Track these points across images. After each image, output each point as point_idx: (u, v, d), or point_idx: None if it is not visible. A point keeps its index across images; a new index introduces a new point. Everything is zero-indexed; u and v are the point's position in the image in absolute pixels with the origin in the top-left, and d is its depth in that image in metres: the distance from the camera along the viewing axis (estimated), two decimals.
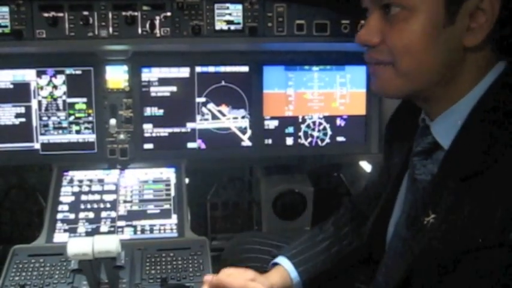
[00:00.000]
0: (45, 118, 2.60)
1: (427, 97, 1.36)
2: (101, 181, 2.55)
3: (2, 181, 2.97)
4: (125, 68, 2.60)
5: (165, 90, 2.65)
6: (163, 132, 2.66)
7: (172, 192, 2.51)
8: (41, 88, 2.59)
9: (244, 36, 2.42)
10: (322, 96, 2.72)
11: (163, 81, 2.64)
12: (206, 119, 2.68)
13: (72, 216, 2.41)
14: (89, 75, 2.60)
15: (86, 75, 2.60)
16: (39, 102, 2.59)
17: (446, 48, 1.25)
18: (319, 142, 2.76)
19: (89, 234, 2.33)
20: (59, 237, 2.34)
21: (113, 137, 2.61)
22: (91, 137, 2.63)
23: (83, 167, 2.59)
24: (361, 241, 1.83)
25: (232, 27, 2.41)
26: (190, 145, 2.68)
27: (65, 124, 2.62)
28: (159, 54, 2.61)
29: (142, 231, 2.38)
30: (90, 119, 2.62)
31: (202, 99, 2.66)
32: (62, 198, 2.47)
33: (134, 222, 2.40)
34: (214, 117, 2.68)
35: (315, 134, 2.75)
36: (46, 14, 2.31)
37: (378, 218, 1.71)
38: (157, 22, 2.36)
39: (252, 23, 2.41)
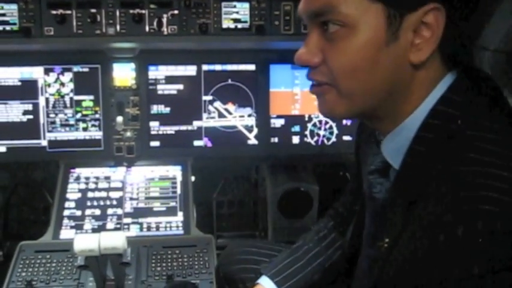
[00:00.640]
0: (52, 115, 2.62)
1: (375, 116, 1.26)
2: (107, 178, 2.56)
3: (9, 178, 2.98)
4: (132, 65, 2.61)
5: (172, 88, 2.65)
6: (170, 130, 2.67)
7: (179, 190, 2.52)
8: (49, 85, 2.60)
9: (251, 34, 2.43)
10: None
11: (170, 79, 2.64)
12: (212, 117, 2.68)
13: (78, 213, 2.43)
14: (96, 73, 2.61)
15: (93, 72, 2.61)
16: (47, 100, 2.61)
17: (391, 66, 1.16)
18: (326, 141, 2.76)
19: (95, 231, 2.34)
20: (66, 233, 2.35)
21: (119, 134, 2.62)
22: (98, 134, 2.64)
23: (90, 164, 2.60)
24: (344, 250, 1.81)
25: (239, 25, 2.42)
26: (197, 143, 2.69)
27: (72, 121, 2.63)
28: (166, 52, 2.62)
29: (149, 228, 2.39)
30: (97, 116, 2.63)
31: (209, 98, 2.67)
32: (68, 195, 2.48)
33: (140, 220, 2.41)
34: (220, 115, 2.69)
35: (321, 132, 2.75)
36: (54, 12, 2.33)
37: (353, 233, 1.68)
38: (164, 20, 2.37)
39: (259, 22, 2.41)
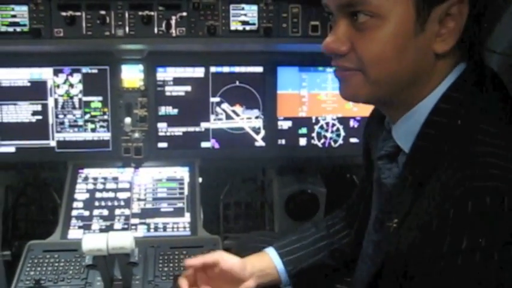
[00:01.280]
0: (61, 116, 2.64)
1: (393, 102, 1.32)
2: (115, 179, 2.58)
3: (18, 178, 3.00)
4: (141, 67, 2.63)
5: (180, 90, 2.67)
6: (178, 131, 2.68)
7: (186, 191, 2.53)
8: (58, 86, 2.62)
9: (259, 36, 2.44)
10: (335, 98, 2.73)
11: (178, 81, 2.66)
12: (220, 119, 2.69)
13: (86, 213, 2.44)
14: (105, 74, 2.63)
15: (102, 74, 2.63)
16: (56, 100, 2.63)
17: (418, 56, 1.22)
18: (332, 143, 2.76)
19: (103, 231, 2.36)
20: (74, 233, 2.36)
21: (127, 135, 2.64)
22: (106, 135, 2.66)
23: (98, 165, 2.62)
24: (351, 240, 1.87)
25: (247, 27, 2.43)
26: (204, 144, 2.70)
27: (80, 122, 2.65)
28: (174, 54, 2.64)
29: (156, 229, 2.40)
30: (106, 117, 2.65)
31: (217, 99, 2.68)
32: (76, 196, 2.50)
33: (148, 220, 2.43)
34: (228, 117, 2.70)
35: (328, 135, 2.75)
36: (64, 13, 2.35)
37: (360, 221, 1.73)
38: (173, 22, 2.39)
39: (266, 24, 2.43)
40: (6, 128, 2.61)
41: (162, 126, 2.68)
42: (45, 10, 2.35)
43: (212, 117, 2.69)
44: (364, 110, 2.71)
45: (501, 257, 1.06)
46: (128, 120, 2.60)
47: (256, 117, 2.71)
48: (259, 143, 2.72)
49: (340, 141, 2.76)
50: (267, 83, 2.70)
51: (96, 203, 2.48)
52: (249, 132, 2.71)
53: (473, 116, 1.20)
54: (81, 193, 2.51)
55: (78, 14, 2.36)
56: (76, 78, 2.63)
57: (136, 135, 2.64)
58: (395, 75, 1.24)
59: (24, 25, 2.35)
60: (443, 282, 1.10)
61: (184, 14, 2.39)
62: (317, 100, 2.72)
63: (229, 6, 2.42)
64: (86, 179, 2.57)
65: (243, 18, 2.42)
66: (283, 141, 2.74)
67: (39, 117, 2.62)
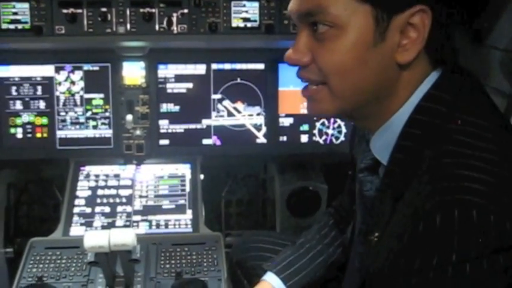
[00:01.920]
0: (62, 113, 2.64)
1: (363, 114, 1.30)
2: (117, 176, 2.58)
3: (19, 175, 3.01)
4: (142, 64, 2.63)
5: (181, 87, 2.67)
6: (179, 128, 2.69)
7: (188, 188, 2.53)
8: (59, 84, 2.62)
9: (261, 33, 2.44)
10: None
11: (179, 78, 2.66)
12: (221, 116, 2.70)
13: (88, 210, 2.44)
14: (106, 72, 2.63)
15: (103, 71, 2.63)
16: (57, 98, 2.63)
17: (379, 66, 1.20)
18: (334, 140, 2.76)
19: (104, 228, 2.36)
20: (76, 230, 2.37)
21: (129, 132, 2.64)
22: (108, 133, 2.66)
23: (100, 162, 2.62)
24: (344, 248, 1.86)
25: (249, 24, 2.44)
26: (206, 141, 2.70)
27: (82, 119, 2.65)
28: (175, 51, 2.64)
29: (158, 226, 2.41)
30: (107, 114, 2.65)
31: (218, 96, 2.68)
32: (78, 193, 2.50)
33: (149, 217, 2.43)
34: (229, 114, 2.70)
35: (330, 131, 2.75)
36: (65, 11, 2.36)
37: (352, 232, 1.72)
38: (174, 19, 2.39)
39: (268, 21, 2.43)
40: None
41: (163, 123, 2.68)
42: (47, 7, 2.36)
43: (213, 114, 2.69)
44: None
45: (472, 271, 1.04)
46: (129, 117, 2.61)
47: (258, 114, 2.71)
48: (261, 139, 2.72)
49: (342, 138, 2.76)
50: (268, 79, 2.70)
51: (98, 200, 2.48)
52: (251, 129, 2.71)
53: (447, 126, 1.17)
54: (83, 190, 2.51)
55: (79, 11, 2.36)
56: (77, 75, 2.63)
57: (138, 132, 2.64)
58: (358, 86, 1.22)
59: (26, 22, 2.36)
60: None
61: (186, 11, 2.39)
62: None
63: (231, 3, 2.42)
64: (87, 176, 2.57)
65: (244, 15, 2.43)
66: (284, 138, 2.74)
67: (41, 114, 2.63)
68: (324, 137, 2.75)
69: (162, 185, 2.55)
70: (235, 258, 2.13)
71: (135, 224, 2.40)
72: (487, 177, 1.07)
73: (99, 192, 2.51)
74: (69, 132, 2.65)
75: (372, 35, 1.18)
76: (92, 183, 2.54)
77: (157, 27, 2.40)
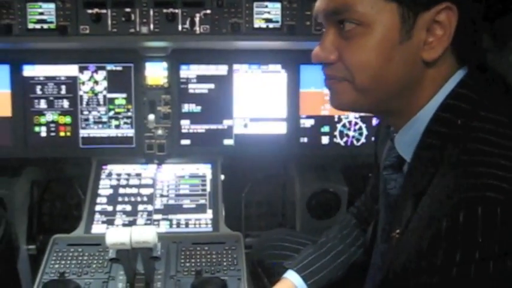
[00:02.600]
0: (86, 112, 2.67)
1: (387, 110, 1.31)
2: (138, 175, 2.60)
3: (43, 173, 3.05)
4: (164, 64, 2.65)
5: (203, 88, 2.69)
6: (200, 128, 2.71)
7: (208, 188, 2.55)
8: (83, 83, 2.66)
9: (282, 34, 2.45)
10: None
11: (201, 79, 2.68)
12: (242, 117, 2.71)
13: (110, 208, 2.47)
14: (129, 72, 2.66)
15: (126, 71, 2.66)
16: (81, 97, 2.66)
17: (404, 64, 1.20)
18: (355, 142, 2.76)
19: (126, 226, 2.37)
20: (97, 228, 2.39)
21: (151, 132, 2.67)
22: (130, 132, 2.69)
23: (121, 161, 2.65)
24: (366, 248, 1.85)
25: (271, 25, 2.44)
26: (227, 142, 2.72)
27: (104, 119, 2.68)
28: (197, 51, 2.66)
29: (178, 225, 2.42)
30: (130, 114, 2.68)
31: (239, 97, 2.70)
32: (100, 191, 2.53)
33: (170, 216, 2.45)
34: (250, 114, 2.71)
35: (351, 133, 2.75)
36: (90, 11, 2.39)
37: (373, 231, 1.72)
38: (197, 19, 2.41)
39: (290, 22, 2.43)
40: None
41: (185, 123, 2.70)
42: (72, 7, 2.39)
43: (235, 114, 2.70)
44: None
45: (496, 269, 1.04)
46: (151, 117, 2.63)
47: (279, 116, 2.71)
48: (282, 141, 2.72)
49: (363, 140, 2.76)
50: (289, 81, 2.70)
51: (120, 199, 2.50)
52: (271, 131, 2.72)
53: (472, 124, 1.17)
54: (104, 189, 2.54)
55: (103, 11, 2.39)
56: (101, 75, 2.66)
57: (160, 132, 2.66)
58: (382, 83, 1.22)
59: (51, 22, 2.39)
60: None
61: (208, 11, 2.40)
62: None
63: (253, 3, 2.43)
64: (109, 174, 2.60)
65: (266, 16, 2.43)
66: (305, 140, 2.74)
67: (65, 113, 2.67)
68: (344, 139, 2.75)
69: (182, 184, 2.57)
70: (256, 257, 2.14)
71: (155, 222, 2.42)
72: (510, 175, 1.07)
73: (121, 190, 2.53)
74: (92, 131, 2.68)
75: (398, 33, 1.19)
76: (114, 182, 2.57)
77: (180, 27, 2.41)
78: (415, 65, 1.22)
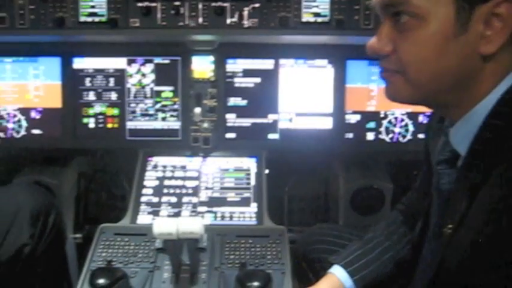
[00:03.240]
0: (133, 105, 2.71)
1: (443, 104, 1.30)
2: (183, 167, 2.63)
3: (89, 164, 3.11)
4: (211, 58, 2.67)
5: (249, 82, 2.70)
6: (246, 122, 2.72)
7: (253, 181, 2.55)
8: (131, 76, 2.70)
9: (331, 29, 2.43)
10: None
11: (247, 73, 2.69)
12: (288, 111, 2.70)
13: (155, 199, 2.50)
14: (176, 65, 2.69)
15: (173, 64, 2.69)
16: (129, 90, 2.70)
17: (460, 57, 1.19)
18: (401, 138, 2.73)
19: (171, 217, 2.40)
20: (143, 219, 2.43)
21: (197, 125, 2.69)
22: (176, 125, 2.72)
23: (167, 153, 2.67)
24: (413, 245, 1.82)
25: (319, 19, 2.43)
26: (272, 136, 2.72)
27: (151, 111, 2.71)
28: (244, 45, 2.67)
29: (222, 217, 2.44)
30: (176, 107, 2.71)
31: (285, 91, 2.69)
32: (146, 183, 2.56)
33: (215, 209, 2.46)
34: (296, 109, 2.71)
35: (397, 130, 2.72)
36: (140, 4, 2.41)
37: (421, 229, 1.69)
38: (245, 13, 2.41)
39: (338, 16, 2.41)
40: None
41: (230, 117, 2.71)
42: (123, 1, 2.42)
43: (280, 109, 2.70)
44: None
45: None
46: (197, 110, 2.65)
47: (324, 111, 2.70)
48: (326, 136, 2.71)
49: (409, 137, 2.73)
50: (335, 76, 2.69)
51: (165, 190, 2.53)
52: (317, 126, 2.71)
53: None
54: (150, 180, 2.57)
55: (153, 4, 2.41)
56: (148, 68, 2.69)
57: (205, 125, 2.68)
58: (436, 77, 1.22)
59: (102, 15, 2.43)
60: None
61: (257, 5, 2.40)
62: None
63: None
64: (155, 166, 2.63)
65: (315, 10, 2.42)
66: (350, 135, 2.72)
67: (113, 105, 2.71)
68: (390, 135, 2.72)
69: (227, 177, 2.58)
70: (301, 251, 2.14)
71: (200, 214, 2.44)
72: None
73: (166, 182, 2.56)
74: (138, 124, 2.72)
75: (453, 26, 1.17)
76: (160, 174, 2.60)
77: (228, 21, 2.42)
78: (472, 59, 1.20)
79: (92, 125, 2.73)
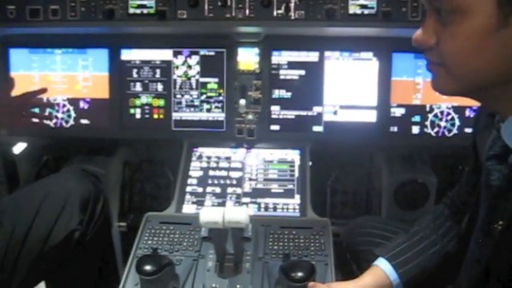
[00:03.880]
0: (178, 96, 2.75)
1: (489, 97, 1.28)
2: (228, 158, 2.65)
3: (135, 154, 3.16)
4: (256, 50, 2.69)
5: (294, 74, 2.70)
6: (290, 114, 2.72)
7: (296, 173, 2.56)
8: (177, 67, 2.74)
9: (377, 21, 2.42)
10: None
11: (292, 65, 2.69)
12: (332, 104, 2.70)
13: (200, 189, 2.53)
14: (222, 57, 2.71)
15: (218, 56, 2.71)
16: (174, 81, 2.74)
17: (501, 52, 1.16)
18: (446, 132, 2.70)
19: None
20: (188, 208, 2.46)
21: (241, 117, 2.71)
22: (221, 116, 2.74)
23: (212, 144, 2.70)
24: (459, 240, 1.81)
25: (366, 11, 2.41)
26: (316, 129, 2.72)
27: (196, 102, 2.75)
28: (289, 38, 2.67)
29: (266, 208, 2.45)
30: (221, 98, 2.73)
31: (330, 83, 2.69)
32: (191, 173, 2.59)
33: (258, 200, 2.48)
34: (340, 101, 2.71)
35: (443, 124, 2.69)
36: None
37: (468, 224, 1.67)
38: (292, 5, 2.41)
39: (386, 8, 2.39)
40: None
41: (275, 109, 2.72)
42: None
43: (325, 101, 2.70)
44: None
45: None
46: (242, 102, 2.67)
47: (369, 104, 2.69)
48: (371, 129, 2.70)
49: (455, 131, 2.69)
50: (381, 69, 2.67)
51: (209, 181, 2.56)
52: (361, 118, 2.70)
53: None
54: (195, 170, 2.60)
55: None
56: (194, 60, 2.73)
57: (250, 117, 2.70)
58: (477, 72, 1.20)
59: (151, 7, 2.47)
60: None
61: None
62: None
63: None
64: (200, 157, 2.66)
65: (362, 1, 2.40)
66: (395, 129, 2.70)
67: (159, 96, 2.76)
68: (436, 129, 2.69)
69: (271, 169, 2.59)
70: (345, 242, 2.15)
71: (244, 205, 2.46)
72: None
73: (211, 173, 2.59)
74: (184, 115, 2.76)
75: (494, 20, 1.15)
76: (204, 164, 2.63)
77: (275, 13, 2.43)
78: None
79: (138, 116, 2.78)
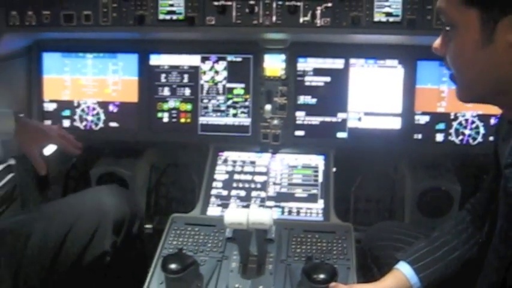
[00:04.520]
0: (205, 101, 2.80)
1: (504, 104, 1.38)
2: (253, 163, 2.69)
3: (161, 158, 3.21)
4: (283, 57, 2.73)
5: (319, 80, 2.74)
6: (315, 120, 2.76)
7: (320, 179, 2.59)
8: (204, 73, 2.79)
9: (402, 28, 2.44)
10: None
11: (318, 72, 2.73)
12: (357, 111, 2.73)
13: (225, 193, 2.57)
14: (248, 63, 2.76)
15: (245, 62, 2.76)
16: (202, 86, 2.79)
17: (490, 66, 1.26)
18: (471, 141, 2.70)
19: None
20: (212, 210, 2.50)
21: (267, 122, 2.75)
22: (246, 121, 2.79)
23: (237, 149, 2.75)
24: (480, 246, 1.81)
25: (391, 19, 2.44)
26: (340, 135, 2.75)
27: (223, 107, 2.80)
28: (315, 45, 2.71)
29: (290, 212, 2.48)
30: (247, 103, 2.78)
31: (355, 91, 2.72)
32: (216, 176, 2.64)
33: (282, 204, 2.51)
34: (364, 109, 2.73)
35: (467, 132, 2.70)
36: (216, 3, 2.49)
37: (489, 229, 1.68)
38: (318, 12, 2.45)
39: (411, 16, 2.42)
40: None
41: (300, 114, 2.76)
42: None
43: (349, 108, 2.73)
44: None
45: None
46: (268, 107, 2.71)
47: (393, 111, 2.71)
48: (395, 136, 2.72)
49: (479, 139, 2.69)
50: (405, 76, 2.69)
51: (234, 184, 2.60)
52: (385, 126, 2.72)
53: None
54: (220, 174, 2.64)
55: (229, 3, 2.49)
56: (221, 65, 2.78)
57: (275, 122, 2.74)
58: (475, 82, 1.32)
59: (180, 13, 2.53)
60: None
61: (330, 4, 2.44)
62: None
63: None
64: (225, 161, 2.70)
65: (387, 9, 2.43)
66: (419, 136, 2.72)
67: (187, 101, 2.81)
68: (460, 137, 2.70)
69: (295, 174, 2.63)
70: (367, 246, 2.16)
71: (268, 209, 2.49)
72: None
73: (236, 176, 2.63)
74: (210, 119, 2.81)
75: (479, 37, 1.25)
76: (229, 168, 2.67)
77: (301, 20, 2.47)
78: (505, 65, 1.26)
79: (165, 119, 2.84)
